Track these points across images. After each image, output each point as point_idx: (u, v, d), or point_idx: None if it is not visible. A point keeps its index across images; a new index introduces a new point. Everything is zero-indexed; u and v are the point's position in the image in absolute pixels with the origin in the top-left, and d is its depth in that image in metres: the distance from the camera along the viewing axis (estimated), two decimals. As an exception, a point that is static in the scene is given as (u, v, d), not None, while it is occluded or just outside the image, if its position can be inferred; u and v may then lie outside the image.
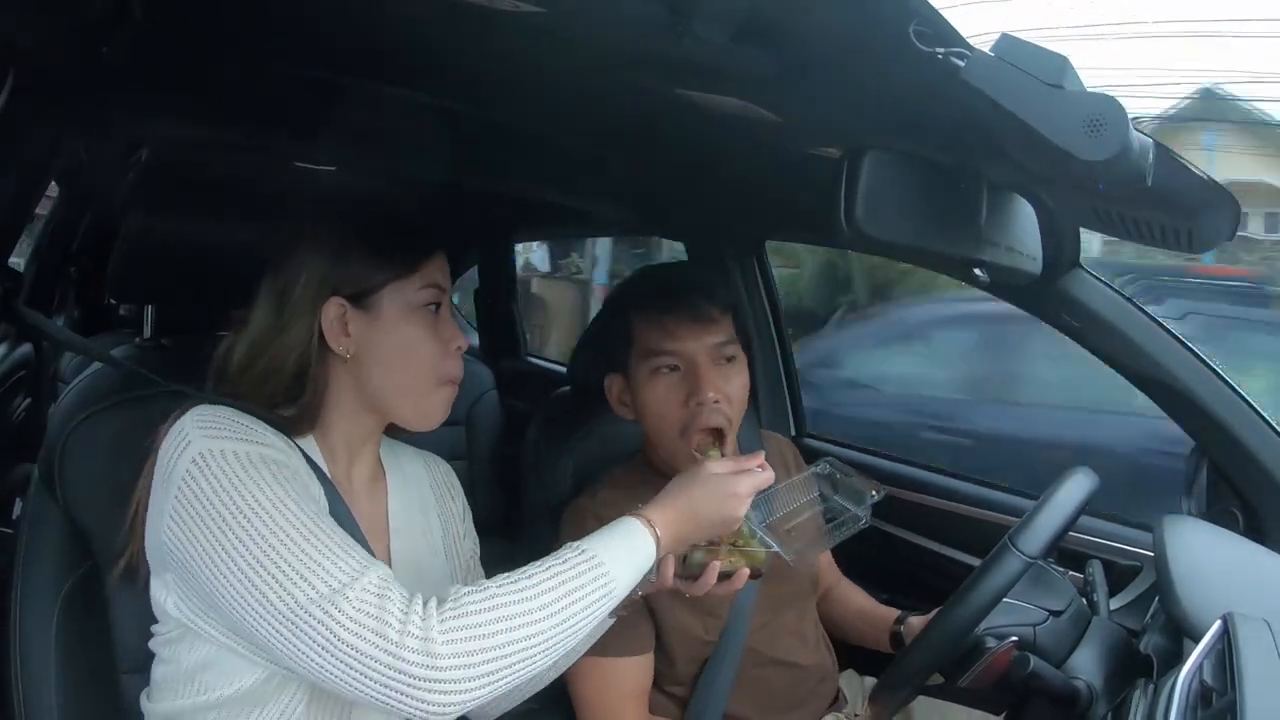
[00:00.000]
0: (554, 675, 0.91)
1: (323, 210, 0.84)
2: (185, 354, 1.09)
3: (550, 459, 1.21)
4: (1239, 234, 0.78)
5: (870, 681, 1.16)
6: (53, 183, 2.04)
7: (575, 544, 0.73)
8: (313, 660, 0.64)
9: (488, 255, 2.53)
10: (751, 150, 1.07)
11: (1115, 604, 1.07)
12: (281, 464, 0.72)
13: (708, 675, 1.02)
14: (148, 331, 1.16)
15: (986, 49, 0.53)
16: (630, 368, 1.00)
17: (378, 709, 0.66)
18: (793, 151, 0.98)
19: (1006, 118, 0.53)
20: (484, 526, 0.98)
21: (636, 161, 1.35)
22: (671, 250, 3.00)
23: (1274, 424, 1.02)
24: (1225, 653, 0.68)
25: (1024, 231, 0.85)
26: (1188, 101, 6.02)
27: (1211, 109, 5.95)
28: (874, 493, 0.89)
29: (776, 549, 0.84)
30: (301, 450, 0.77)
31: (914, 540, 1.41)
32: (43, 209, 2.36)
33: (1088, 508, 0.93)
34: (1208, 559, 0.90)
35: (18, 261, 2.29)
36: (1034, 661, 0.85)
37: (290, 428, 0.77)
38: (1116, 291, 1.07)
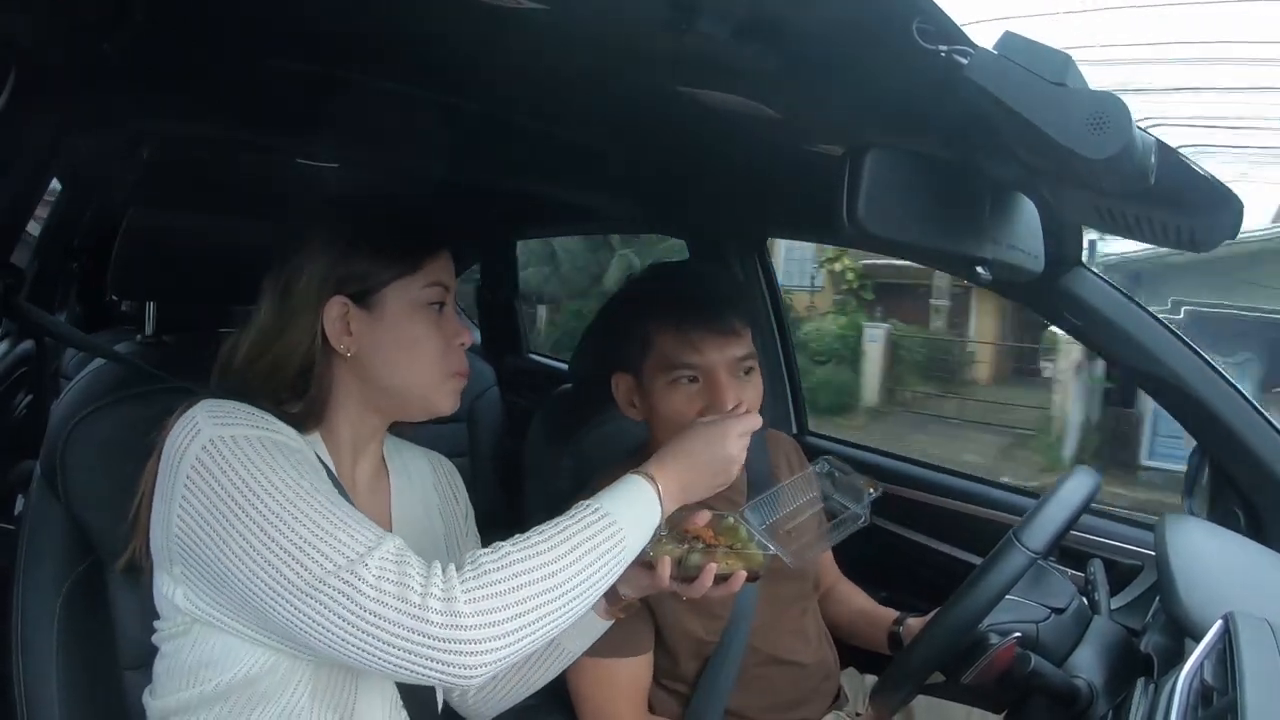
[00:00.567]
0: (555, 673, 0.91)
1: (325, 208, 0.84)
2: (186, 351, 1.09)
3: (550, 458, 1.21)
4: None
5: (871, 679, 1.16)
6: (54, 180, 2.04)
7: (583, 502, 0.74)
8: (334, 634, 0.64)
9: (490, 252, 2.53)
10: (753, 147, 1.07)
11: (1116, 603, 1.07)
12: (294, 449, 0.72)
13: (710, 674, 1.02)
14: (149, 328, 1.16)
15: (989, 44, 0.53)
16: (644, 372, 0.99)
17: (403, 679, 0.65)
18: (795, 148, 0.98)
19: (1009, 115, 0.53)
20: (485, 523, 0.98)
21: (638, 158, 1.35)
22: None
23: (1276, 423, 1.02)
24: (1226, 652, 0.67)
25: (1026, 229, 0.85)
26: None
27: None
28: (872, 490, 0.89)
29: (775, 551, 0.84)
30: None
31: (913, 538, 1.41)
32: (43, 209, 2.36)
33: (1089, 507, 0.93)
34: (1209, 558, 0.89)
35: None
36: (1035, 659, 0.85)
37: (296, 424, 0.77)
38: (1118, 290, 1.07)
